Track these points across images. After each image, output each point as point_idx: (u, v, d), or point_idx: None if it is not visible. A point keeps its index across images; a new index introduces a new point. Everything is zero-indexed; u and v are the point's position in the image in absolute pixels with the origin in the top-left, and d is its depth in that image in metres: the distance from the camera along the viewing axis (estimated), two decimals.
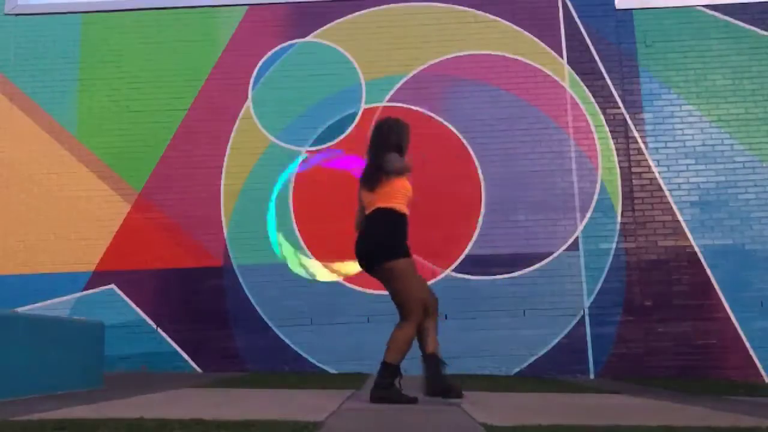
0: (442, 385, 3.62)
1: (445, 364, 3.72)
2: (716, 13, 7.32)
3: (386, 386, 3.63)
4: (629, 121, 7.17)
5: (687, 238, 6.91)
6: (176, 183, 7.18)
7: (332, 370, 6.64)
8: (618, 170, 7.07)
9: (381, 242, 3.69)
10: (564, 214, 7.00)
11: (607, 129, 7.16)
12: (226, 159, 7.22)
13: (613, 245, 6.92)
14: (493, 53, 7.36)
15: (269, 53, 7.43)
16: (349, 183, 7.00)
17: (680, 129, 7.15)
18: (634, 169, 7.08)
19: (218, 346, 6.82)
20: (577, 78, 7.26)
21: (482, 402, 3.85)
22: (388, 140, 3.83)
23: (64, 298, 6.96)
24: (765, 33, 7.26)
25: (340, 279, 6.89)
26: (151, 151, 7.27)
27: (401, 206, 3.76)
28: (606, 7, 7.37)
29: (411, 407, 3.51)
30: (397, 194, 3.75)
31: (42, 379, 4.18)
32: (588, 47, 7.31)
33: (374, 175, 3.77)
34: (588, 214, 7.00)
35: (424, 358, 3.70)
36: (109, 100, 7.42)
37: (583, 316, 6.79)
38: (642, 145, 7.13)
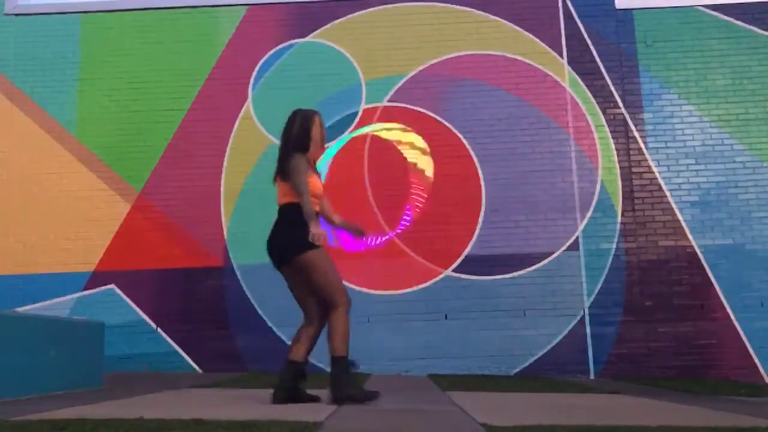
0: (288, 393, 3.58)
1: (305, 377, 3.70)
2: (716, 13, 7.32)
3: (350, 382, 3.59)
4: (629, 121, 7.17)
5: (687, 238, 6.91)
6: (176, 183, 7.18)
7: None
8: (618, 170, 7.07)
9: (288, 239, 3.65)
10: (564, 214, 7.00)
11: (607, 129, 7.16)
12: (226, 159, 7.22)
13: (613, 245, 6.92)
14: (493, 53, 7.36)
15: (269, 53, 7.43)
16: (350, 184, 7.01)
17: (680, 129, 7.15)
18: (634, 169, 7.08)
19: (218, 346, 6.81)
20: (577, 78, 7.25)
21: (482, 402, 3.85)
22: (291, 133, 3.83)
23: (64, 298, 6.96)
24: (765, 33, 7.26)
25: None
26: (151, 151, 7.27)
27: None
28: (606, 7, 7.37)
29: (411, 408, 3.50)
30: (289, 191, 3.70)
31: (42, 379, 4.18)
32: (588, 47, 7.31)
33: (285, 168, 3.75)
34: (588, 214, 7.00)
35: (287, 362, 3.68)
36: (109, 100, 7.42)
37: (583, 316, 6.78)
38: (642, 145, 7.13)
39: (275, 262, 3.75)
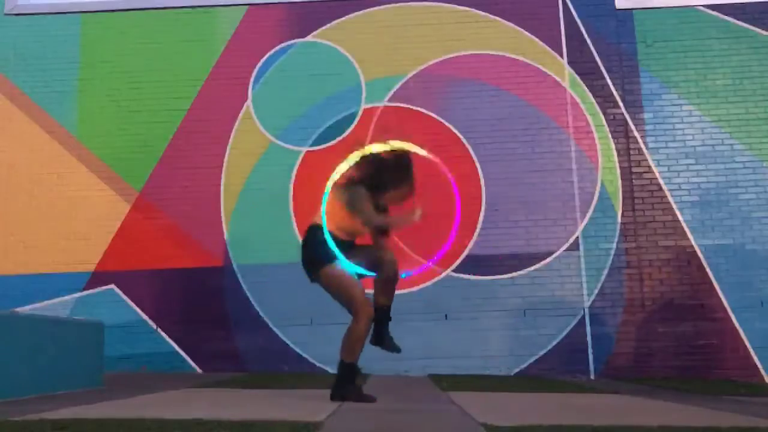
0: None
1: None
2: (716, 13, 7.32)
3: (343, 384, 3.67)
4: (629, 121, 7.17)
5: (687, 238, 6.91)
6: (176, 183, 7.18)
7: (332, 370, 6.61)
8: (618, 170, 7.07)
9: (303, 259, 3.82)
10: (564, 214, 7.00)
11: (607, 129, 7.16)
12: (226, 159, 7.22)
13: (613, 245, 6.92)
14: (493, 53, 7.35)
15: (269, 53, 7.43)
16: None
17: (680, 129, 7.15)
18: (634, 169, 7.08)
19: (218, 346, 6.81)
20: (577, 78, 7.25)
21: (482, 402, 3.85)
22: (367, 172, 3.88)
23: (64, 298, 6.96)
24: (765, 33, 7.26)
25: None
26: (151, 151, 7.26)
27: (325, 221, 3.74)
28: (606, 7, 7.36)
29: (411, 408, 3.50)
30: (333, 215, 3.77)
31: (42, 379, 4.17)
32: (588, 47, 7.31)
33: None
34: (588, 214, 7.00)
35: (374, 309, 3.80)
36: (109, 100, 7.42)
37: (583, 316, 6.78)
38: (642, 145, 7.13)
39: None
